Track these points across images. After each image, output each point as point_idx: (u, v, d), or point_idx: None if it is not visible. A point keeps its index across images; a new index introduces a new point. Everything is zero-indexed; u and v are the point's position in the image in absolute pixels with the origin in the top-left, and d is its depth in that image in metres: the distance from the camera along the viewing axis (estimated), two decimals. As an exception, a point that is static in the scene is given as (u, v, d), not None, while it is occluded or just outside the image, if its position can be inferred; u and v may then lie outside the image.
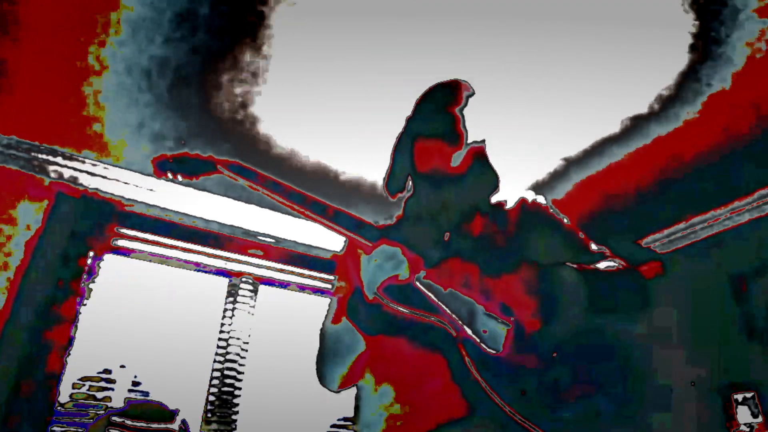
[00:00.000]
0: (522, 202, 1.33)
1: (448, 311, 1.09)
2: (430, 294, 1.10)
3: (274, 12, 2.07)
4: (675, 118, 2.52)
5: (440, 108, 1.31)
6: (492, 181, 1.35)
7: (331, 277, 3.54)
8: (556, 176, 3.01)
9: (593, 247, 1.27)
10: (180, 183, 1.35)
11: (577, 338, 1.08)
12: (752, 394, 2.78)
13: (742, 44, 2.12)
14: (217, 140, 2.77)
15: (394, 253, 1.12)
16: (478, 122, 1.33)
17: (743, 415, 2.79)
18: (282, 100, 2.51)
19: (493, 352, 1.06)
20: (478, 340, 1.07)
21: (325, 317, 1.31)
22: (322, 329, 1.30)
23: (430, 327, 1.11)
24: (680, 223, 3.35)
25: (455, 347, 1.09)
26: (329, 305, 1.32)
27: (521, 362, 1.05)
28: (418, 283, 1.11)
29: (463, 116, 1.31)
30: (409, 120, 1.38)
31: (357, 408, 1.26)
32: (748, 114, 2.47)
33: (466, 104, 1.32)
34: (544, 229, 1.28)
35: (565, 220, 1.32)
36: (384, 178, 1.40)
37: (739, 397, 2.82)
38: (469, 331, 1.07)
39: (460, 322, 1.08)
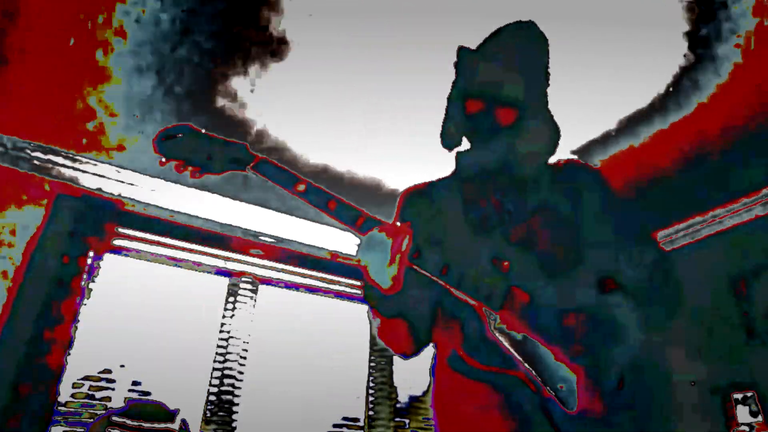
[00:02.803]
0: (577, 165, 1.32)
1: (528, 367, 1.04)
2: (508, 346, 1.06)
3: (279, 12, 2.07)
4: (672, 117, 2.52)
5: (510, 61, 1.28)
6: (552, 135, 1.32)
7: (331, 277, 3.54)
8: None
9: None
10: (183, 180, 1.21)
11: (633, 371, 1.06)
12: (752, 394, 2.78)
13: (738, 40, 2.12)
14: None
15: (381, 238, 1.08)
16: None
17: (743, 415, 2.79)
18: (282, 100, 2.52)
19: (571, 410, 1.02)
20: (558, 400, 1.02)
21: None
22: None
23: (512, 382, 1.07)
24: (680, 223, 3.35)
25: (537, 407, 1.05)
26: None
27: (591, 413, 1.02)
28: (496, 333, 1.07)
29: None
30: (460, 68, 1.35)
31: None
32: (747, 113, 2.47)
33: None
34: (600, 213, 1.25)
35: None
36: (441, 133, 1.38)
37: (739, 397, 2.82)
38: (551, 391, 1.03)
39: (539, 379, 1.04)
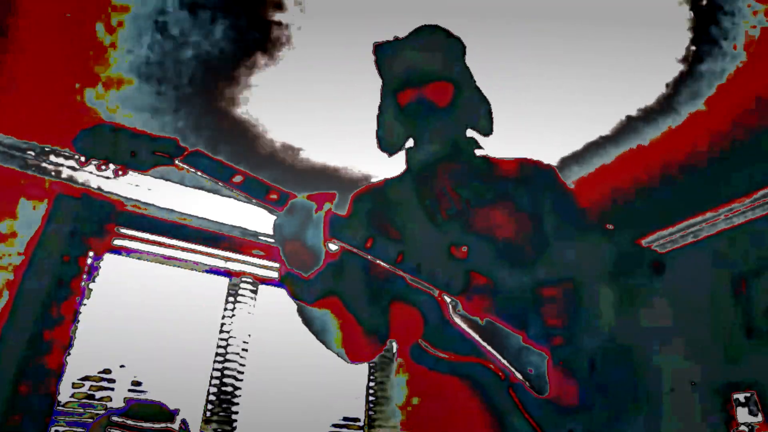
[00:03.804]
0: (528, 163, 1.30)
1: (494, 352, 1.01)
2: (470, 332, 1.02)
3: (283, 14, 2.07)
4: (673, 117, 2.52)
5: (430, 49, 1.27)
6: (487, 108, 1.31)
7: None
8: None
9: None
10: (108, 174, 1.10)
11: (607, 355, 1.04)
12: (752, 393, 2.78)
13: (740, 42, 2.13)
14: (220, 141, 2.77)
15: (302, 204, 1.01)
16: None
17: (743, 415, 2.79)
18: (283, 101, 2.52)
19: (542, 395, 1.00)
20: (528, 385, 1.00)
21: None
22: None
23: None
24: (680, 223, 3.35)
25: (503, 392, 1.01)
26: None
27: (564, 400, 1.00)
28: (456, 319, 1.03)
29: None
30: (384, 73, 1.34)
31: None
32: (747, 114, 2.47)
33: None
34: (557, 208, 1.24)
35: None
36: (377, 138, 1.35)
37: (740, 397, 2.82)
38: (519, 375, 1.01)
39: (507, 365, 1.01)
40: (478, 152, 1.33)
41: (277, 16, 2.09)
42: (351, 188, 3.17)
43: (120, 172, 1.09)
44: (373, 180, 1.37)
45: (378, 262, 1.05)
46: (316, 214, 1.01)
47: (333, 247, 1.06)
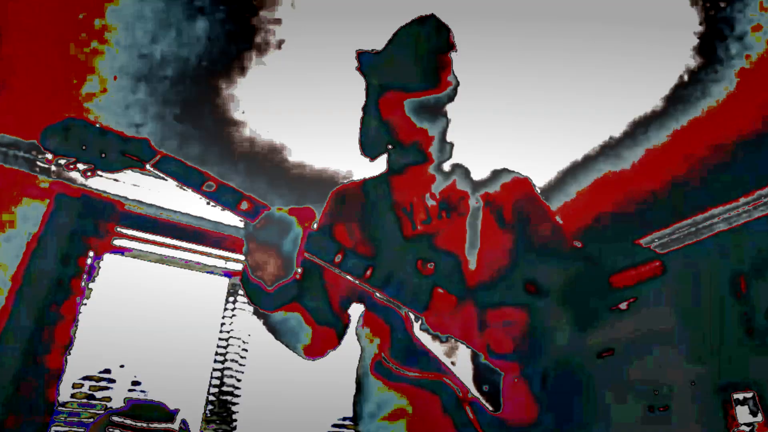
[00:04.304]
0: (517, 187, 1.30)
1: (451, 368, 1.03)
2: (432, 348, 1.04)
3: (274, 14, 2.07)
4: (676, 120, 2.52)
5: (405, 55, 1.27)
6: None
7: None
8: (559, 180, 3.01)
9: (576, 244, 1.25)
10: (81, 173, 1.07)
11: (561, 370, 1.06)
12: (752, 393, 2.78)
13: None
14: (217, 141, 2.77)
15: (280, 217, 1.00)
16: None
17: (743, 414, 2.79)
18: (275, 101, 2.52)
19: (496, 412, 1.01)
20: (483, 401, 1.02)
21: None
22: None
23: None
24: (680, 223, 3.35)
25: (460, 409, 1.03)
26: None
27: (516, 418, 1.02)
28: (420, 335, 1.05)
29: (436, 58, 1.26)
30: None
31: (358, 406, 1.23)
32: (750, 116, 2.47)
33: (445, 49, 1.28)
34: (536, 224, 1.26)
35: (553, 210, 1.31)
36: (359, 142, 1.34)
37: (739, 396, 2.82)
38: (476, 393, 1.02)
39: (464, 384, 1.03)
40: (455, 161, 1.33)
41: (268, 15, 2.09)
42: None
43: (89, 173, 1.05)
44: (355, 179, 1.37)
45: (347, 276, 1.06)
46: (296, 229, 1.01)
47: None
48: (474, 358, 1.05)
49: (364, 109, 1.34)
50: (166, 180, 1.05)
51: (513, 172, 1.35)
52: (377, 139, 1.31)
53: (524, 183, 1.33)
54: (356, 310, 1.28)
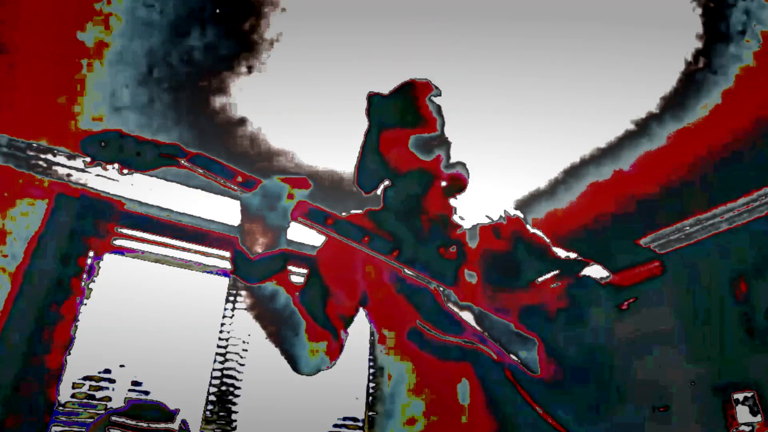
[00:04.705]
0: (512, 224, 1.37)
1: (487, 335, 1.09)
2: (465, 318, 1.10)
3: (271, 15, 2.07)
4: (675, 121, 2.52)
5: (402, 98, 1.35)
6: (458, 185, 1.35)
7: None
8: (557, 183, 3.01)
9: (571, 256, 1.32)
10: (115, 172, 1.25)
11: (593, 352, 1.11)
12: (752, 393, 2.78)
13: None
14: (219, 141, 2.77)
15: (272, 186, 1.07)
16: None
17: (743, 414, 2.79)
18: (275, 102, 2.52)
19: (534, 374, 1.07)
20: (521, 364, 1.07)
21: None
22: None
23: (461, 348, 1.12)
24: (680, 223, 3.35)
25: (498, 370, 1.08)
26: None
27: (554, 378, 1.07)
28: (451, 305, 1.11)
29: (433, 103, 1.34)
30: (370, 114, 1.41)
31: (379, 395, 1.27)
32: (749, 116, 2.47)
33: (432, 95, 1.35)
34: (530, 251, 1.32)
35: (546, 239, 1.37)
36: (354, 174, 1.41)
37: (740, 396, 2.82)
38: (514, 357, 1.08)
39: (500, 347, 1.08)
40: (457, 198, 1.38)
41: (274, 12, 2.09)
42: (336, 189, 3.16)
43: (125, 171, 1.13)
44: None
45: (375, 254, 1.12)
46: (286, 202, 1.07)
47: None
48: (503, 326, 1.10)
49: (364, 147, 1.41)
50: (199, 172, 1.14)
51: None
52: (374, 174, 1.39)
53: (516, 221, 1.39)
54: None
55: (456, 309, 1.10)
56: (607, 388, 1.11)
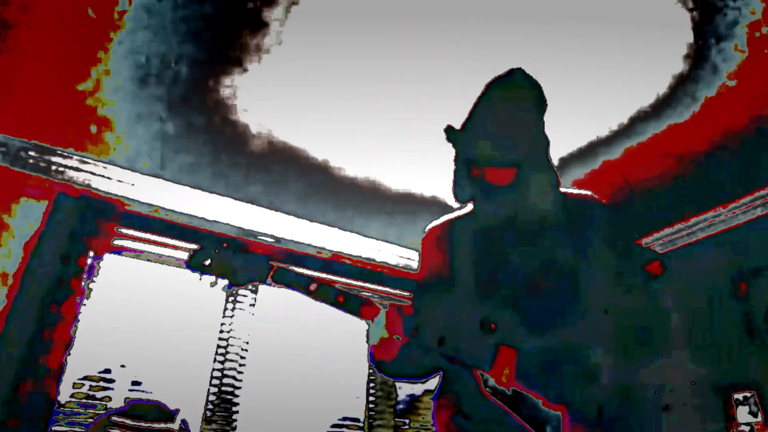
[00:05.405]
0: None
1: (519, 418, 1.20)
2: (499, 402, 1.21)
3: (278, 12, 2.07)
4: (672, 117, 2.52)
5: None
6: (552, 182, 1.47)
7: (332, 277, 3.54)
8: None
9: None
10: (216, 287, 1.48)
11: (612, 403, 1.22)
12: (752, 394, 2.78)
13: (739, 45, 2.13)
14: (220, 140, 2.78)
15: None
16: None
17: (743, 415, 2.79)
18: (281, 99, 2.52)
19: None
20: None
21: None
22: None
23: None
24: (680, 223, 3.35)
25: None
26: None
27: None
28: (489, 391, 1.22)
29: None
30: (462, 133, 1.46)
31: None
32: (747, 114, 2.47)
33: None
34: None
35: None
36: (452, 186, 1.49)
37: (740, 396, 2.82)
38: None
39: (530, 426, 1.19)
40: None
41: (276, 11, 2.09)
42: (353, 187, 3.14)
43: (228, 289, 1.41)
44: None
45: (424, 347, 1.29)
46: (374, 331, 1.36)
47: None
48: (534, 404, 1.21)
49: (456, 167, 1.47)
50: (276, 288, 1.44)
51: (590, 199, 1.59)
52: (466, 192, 1.47)
53: (602, 208, 1.58)
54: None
55: (493, 394, 1.22)
56: None
